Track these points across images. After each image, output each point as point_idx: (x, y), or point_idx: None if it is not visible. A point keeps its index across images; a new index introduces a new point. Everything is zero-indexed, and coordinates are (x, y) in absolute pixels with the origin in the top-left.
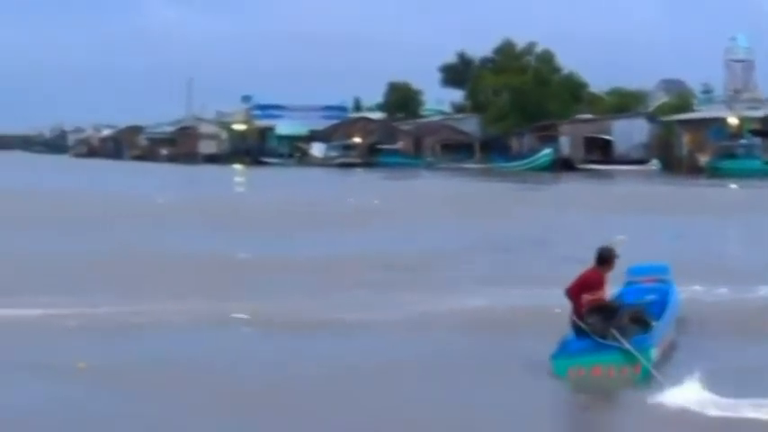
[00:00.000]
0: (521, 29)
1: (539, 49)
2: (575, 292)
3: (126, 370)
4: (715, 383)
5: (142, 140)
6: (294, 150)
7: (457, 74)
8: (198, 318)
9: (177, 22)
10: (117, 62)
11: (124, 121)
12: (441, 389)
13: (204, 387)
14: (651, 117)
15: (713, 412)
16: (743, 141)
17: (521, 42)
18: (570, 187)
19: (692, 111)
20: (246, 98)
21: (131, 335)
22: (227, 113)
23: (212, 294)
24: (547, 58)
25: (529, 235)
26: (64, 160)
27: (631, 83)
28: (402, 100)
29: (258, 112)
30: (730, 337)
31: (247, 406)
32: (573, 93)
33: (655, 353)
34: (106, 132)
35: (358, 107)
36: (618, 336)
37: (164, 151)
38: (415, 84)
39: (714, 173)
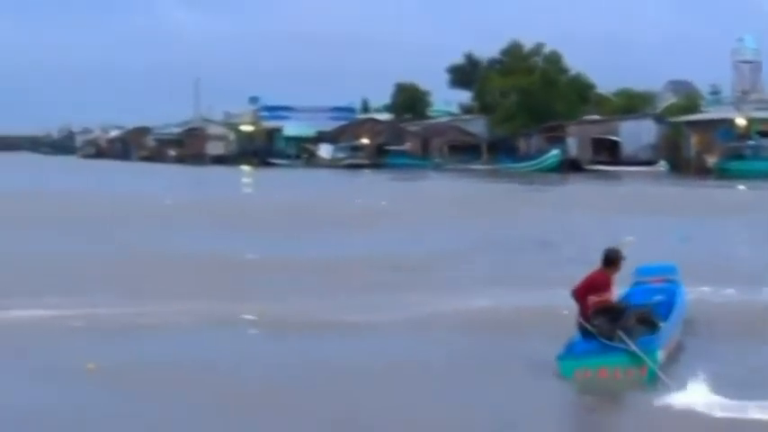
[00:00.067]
0: (528, 30)
1: (546, 50)
2: (581, 293)
3: (134, 371)
4: (722, 385)
5: (150, 141)
6: (302, 151)
7: (464, 75)
8: (205, 319)
9: (185, 23)
10: (124, 63)
11: (132, 122)
12: (446, 389)
13: (210, 388)
14: (659, 118)
15: (720, 414)
16: (751, 142)
17: (528, 43)
18: (577, 188)
19: (700, 112)
20: (254, 99)
21: (139, 336)
22: (235, 114)
23: (219, 295)
24: (554, 59)
25: (536, 236)
26: (72, 161)
27: (639, 84)
28: (410, 101)
29: (266, 114)
30: (737, 339)
31: (252, 406)
32: (580, 94)
33: (661, 354)
34: (114, 133)
35: (365, 108)
36: (624, 337)
37: (171, 152)
38: (423, 85)
39: (722, 174)
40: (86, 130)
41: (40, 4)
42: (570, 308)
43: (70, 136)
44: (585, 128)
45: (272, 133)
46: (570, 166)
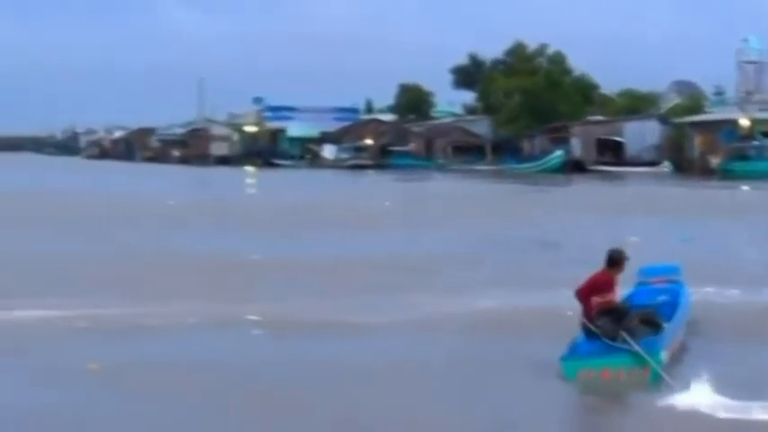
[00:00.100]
0: (532, 30)
1: (550, 50)
2: (584, 294)
3: (135, 371)
4: (725, 386)
5: (154, 142)
6: (305, 152)
7: (468, 75)
8: (208, 319)
9: (188, 24)
10: (128, 64)
11: (136, 122)
12: (448, 390)
13: (212, 388)
14: (663, 119)
15: (723, 414)
16: (755, 143)
17: (532, 44)
18: (581, 189)
19: (704, 112)
20: (258, 100)
21: (141, 336)
22: (239, 115)
23: (222, 296)
24: (558, 60)
25: (539, 237)
26: (75, 162)
27: (643, 85)
28: (413, 102)
29: (269, 114)
30: (741, 340)
31: (253, 406)
32: (584, 94)
33: (665, 355)
34: (118, 134)
35: (369, 109)
36: (627, 338)
37: (175, 153)
38: (427, 85)
39: (726, 174)
40: (90, 131)
41: (44, 5)
42: (574, 308)
43: (74, 137)
44: (589, 128)
45: (276, 134)
46: (574, 167)
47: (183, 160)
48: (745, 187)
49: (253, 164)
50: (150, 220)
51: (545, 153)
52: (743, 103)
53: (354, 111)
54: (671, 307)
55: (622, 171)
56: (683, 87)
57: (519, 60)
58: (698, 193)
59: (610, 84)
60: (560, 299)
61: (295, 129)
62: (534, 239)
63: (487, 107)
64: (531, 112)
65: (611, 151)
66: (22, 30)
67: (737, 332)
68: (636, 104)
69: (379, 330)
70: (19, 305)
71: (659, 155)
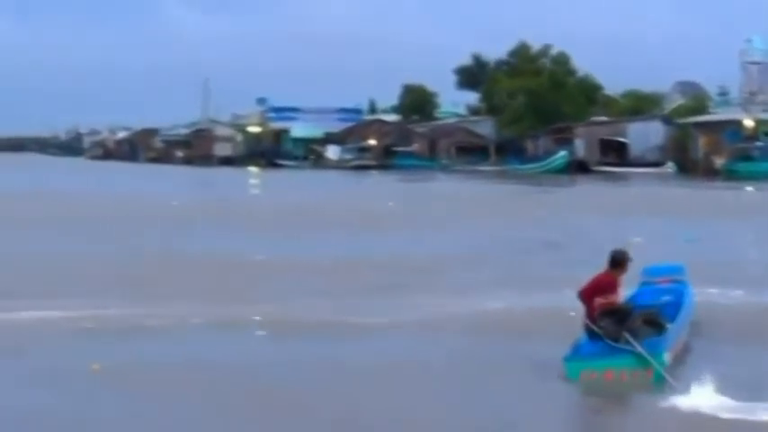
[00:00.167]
0: (536, 30)
1: (554, 51)
2: (587, 294)
3: (138, 371)
4: (728, 387)
5: (157, 143)
6: (309, 153)
7: (472, 76)
8: (211, 319)
9: (191, 24)
10: (131, 64)
11: (139, 123)
12: (450, 390)
13: (215, 388)
14: (667, 119)
15: (726, 415)
16: (759, 144)
17: (536, 45)
18: (585, 189)
19: (708, 113)
20: (261, 100)
21: (144, 336)
22: (243, 116)
23: (226, 296)
24: (562, 61)
25: (543, 237)
26: (79, 162)
27: (647, 85)
28: (417, 102)
29: (273, 115)
30: (745, 340)
31: (256, 407)
32: (588, 95)
33: (668, 356)
34: (121, 134)
35: (373, 109)
36: (630, 339)
37: (179, 153)
38: (430, 86)
39: (730, 175)
40: (94, 132)
41: (45, 3)
42: (577, 309)
43: (78, 137)
44: (593, 129)
45: (280, 134)
46: (578, 168)
47: (187, 161)
48: (749, 188)
49: (256, 164)
50: (154, 221)
51: (549, 154)
52: (747, 103)
53: (358, 111)
54: (675, 307)
55: (626, 172)
56: (687, 88)
57: (523, 61)
58: (702, 194)
59: (613, 84)
60: (563, 299)
61: (298, 129)
62: (538, 240)
63: (491, 108)
64: (534, 113)
65: (615, 152)
66: (25, 30)
67: (741, 333)
68: (639, 105)
69: (382, 331)
70: (22, 306)
71: (663, 155)
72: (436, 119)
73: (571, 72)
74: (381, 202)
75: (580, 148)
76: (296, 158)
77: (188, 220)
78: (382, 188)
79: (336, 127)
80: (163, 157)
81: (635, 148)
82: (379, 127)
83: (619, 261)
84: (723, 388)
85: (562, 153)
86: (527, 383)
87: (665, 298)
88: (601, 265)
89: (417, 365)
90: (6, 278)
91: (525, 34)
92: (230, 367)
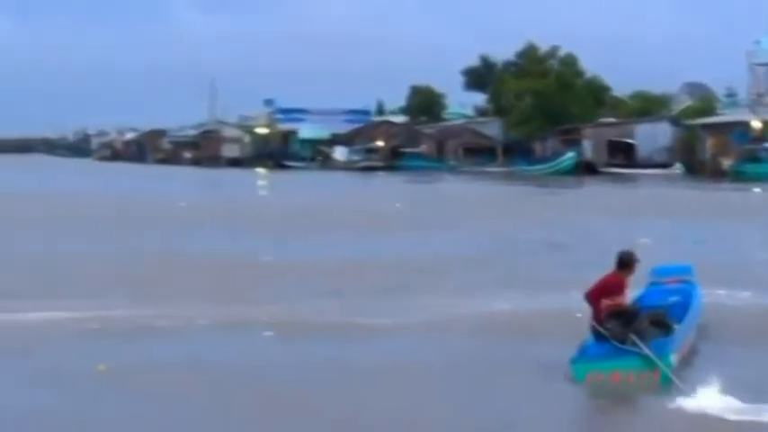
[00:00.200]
0: (543, 32)
1: (562, 52)
2: (594, 296)
3: (144, 372)
4: (735, 388)
5: (165, 144)
6: (317, 154)
7: (479, 77)
8: (217, 320)
9: (199, 25)
10: (139, 66)
11: (147, 124)
12: (456, 391)
13: (221, 389)
14: (674, 121)
15: (733, 417)
16: (766, 145)
17: (544, 46)
18: (593, 191)
19: (716, 114)
20: (269, 102)
21: (150, 338)
22: (250, 117)
23: (233, 297)
24: (570, 62)
25: (550, 238)
26: (87, 163)
27: (654, 86)
28: (425, 103)
29: (281, 116)
30: (752, 342)
31: (260, 407)
32: (596, 96)
33: (674, 358)
34: (129, 136)
35: (381, 111)
36: (637, 341)
37: (187, 155)
38: (438, 87)
39: (737, 176)
40: (102, 133)
41: (51, 4)
42: (583, 311)
43: (86, 138)
44: (601, 130)
45: (287, 136)
46: (585, 169)
47: (195, 162)
48: (757, 189)
49: (264, 165)
50: (162, 222)
51: (556, 155)
52: (754, 105)
53: (365, 112)
54: (682, 308)
55: (634, 173)
56: (695, 89)
57: (530, 62)
58: (710, 195)
59: (621, 86)
60: (570, 301)
61: (306, 131)
62: (545, 241)
63: (499, 109)
64: (542, 114)
65: (623, 153)
66: (32, 31)
67: (748, 335)
68: (647, 106)
69: (388, 332)
70: (29, 306)
71: (671, 157)
72: (444, 120)
73: (579, 73)
74: (389, 203)
75: (588, 149)
76: (303, 160)
77: (196, 221)
78: (389, 189)
79: (344, 128)
80: (171, 159)
81: (643, 150)
82: (386, 128)
83: (626, 262)
84: (730, 389)
85: (570, 154)
86: (533, 385)
87: (673, 298)
88: (608, 267)
89: (424, 367)
90: (14, 279)
91: (525, 34)
92: (237, 368)
